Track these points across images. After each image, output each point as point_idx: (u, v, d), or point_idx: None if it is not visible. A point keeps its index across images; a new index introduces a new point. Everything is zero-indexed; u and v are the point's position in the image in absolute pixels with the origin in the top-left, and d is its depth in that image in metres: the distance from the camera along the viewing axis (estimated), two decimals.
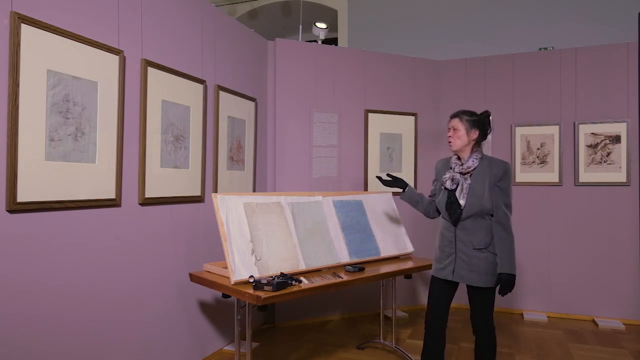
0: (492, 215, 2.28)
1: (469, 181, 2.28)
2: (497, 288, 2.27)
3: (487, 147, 4.33)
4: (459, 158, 2.38)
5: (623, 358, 3.17)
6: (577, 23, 4.92)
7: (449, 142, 2.37)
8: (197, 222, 2.96)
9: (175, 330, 2.76)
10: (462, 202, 2.27)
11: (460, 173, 2.31)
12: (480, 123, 2.33)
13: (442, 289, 2.39)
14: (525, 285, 4.21)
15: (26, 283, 1.87)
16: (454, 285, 2.39)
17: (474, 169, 2.30)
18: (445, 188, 2.36)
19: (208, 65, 3.06)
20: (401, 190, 2.69)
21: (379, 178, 2.75)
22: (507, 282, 2.21)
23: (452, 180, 2.32)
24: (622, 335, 3.64)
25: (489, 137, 4.31)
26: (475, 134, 2.32)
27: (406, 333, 3.65)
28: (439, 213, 2.55)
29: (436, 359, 2.42)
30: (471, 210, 2.26)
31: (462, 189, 2.28)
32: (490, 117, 2.37)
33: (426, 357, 2.44)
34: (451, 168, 2.38)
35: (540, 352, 3.26)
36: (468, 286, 2.32)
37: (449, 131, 2.38)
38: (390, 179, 2.72)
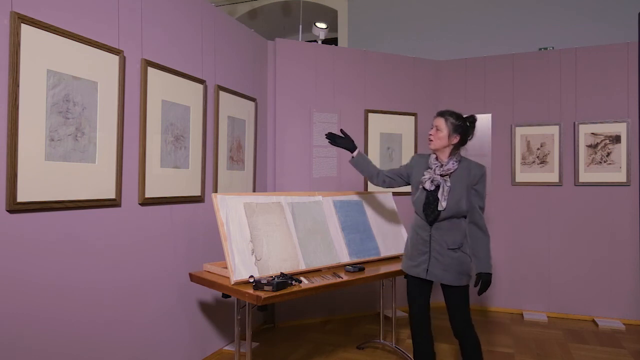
0: (465, 217, 2.32)
1: (449, 183, 2.29)
2: (477, 287, 2.30)
3: (487, 147, 4.33)
4: (437, 158, 2.38)
5: (623, 358, 3.17)
6: (577, 23, 4.92)
7: (430, 140, 2.38)
8: (197, 222, 2.96)
9: (175, 330, 2.76)
10: (443, 204, 2.26)
11: (440, 175, 2.31)
12: (463, 129, 2.32)
13: (419, 288, 2.42)
14: (525, 285, 4.21)
15: (26, 283, 1.87)
16: (429, 282, 2.41)
17: (453, 171, 2.31)
18: (424, 188, 2.35)
19: (208, 65, 3.06)
20: (351, 152, 2.71)
21: (331, 134, 2.75)
22: (486, 281, 2.26)
23: (432, 181, 2.32)
24: (622, 335, 3.64)
25: (489, 138, 4.31)
26: (455, 139, 2.33)
27: (406, 333, 3.64)
28: (386, 185, 2.61)
29: (428, 356, 2.45)
30: (450, 212, 2.27)
31: (443, 191, 2.28)
32: (475, 123, 2.36)
33: (418, 356, 2.46)
34: (430, 168, 2.37)
35: (540, 352, 3.26)
36: (443, 286, 2.34)
37: (431, 128, 2.38)
38: (343, 136, 2.72)
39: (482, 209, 2.31)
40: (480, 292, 2.27)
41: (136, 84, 2.45)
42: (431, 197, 2.32)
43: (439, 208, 2.27)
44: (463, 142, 2.35)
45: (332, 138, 2.74)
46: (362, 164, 2.69)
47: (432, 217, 2.31)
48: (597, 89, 4.04)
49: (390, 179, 2.61)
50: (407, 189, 2.60)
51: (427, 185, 2.33)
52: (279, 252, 2.52)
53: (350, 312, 4.09)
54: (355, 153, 2.70)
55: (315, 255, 2.70)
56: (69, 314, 2.06)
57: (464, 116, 2.35)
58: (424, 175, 2.37)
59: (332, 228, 2.89)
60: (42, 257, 1.94)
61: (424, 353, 2.44)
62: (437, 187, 2.30)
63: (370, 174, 2.67)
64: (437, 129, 2.34)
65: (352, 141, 2.73)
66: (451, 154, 2.34)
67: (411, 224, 2.48)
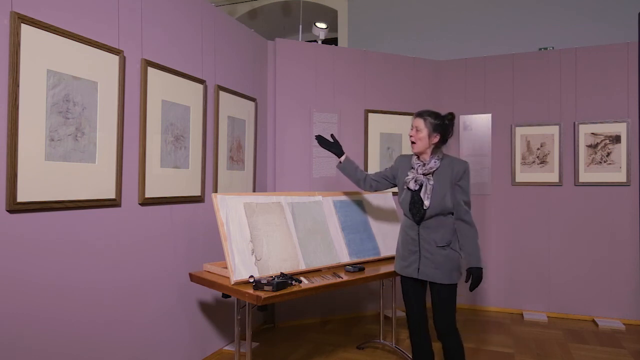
0: (451, 213, 2.33)
1: (432, 182, 2.30)
2: (468, 283, 2.31)
3: (487, 147, 4.33)
4: (418, 158, 2.40)
5: (623, 358, 3.17)
6: (577, 23, 4.92)
7: (412, 142, 2.38)
8: (197, 222, 2.96)
9: (175, 330, 2.76)
10: (427, 202, 2.28)
11: (423, 174, 2.33)
12: (443, 128, 2.33)
13: (413, 288, 2.43)
14: (525, 285, 4.21)
15: (26, 283, 1.87)
16: (422, 281, 2.41)
17: (436, 169, 2.32)
18: (409, 188, 2.37)
19: (208, 65, 3.06)
20: (338, 157, 2.75)
21: (319, 137, 2.78)
22: (478, 276, 2.28)
23: (416, 181, 2.34)
24: (622, 335, 3.64)
25: (489, 138, 4.32)
26: (435, 139, 2.34)
27: (406, 333, 3.64)
28: (373, 189, 2.66)
29: (427, 355, 2.45)
30: (435, 210, 2.28)
31: (426, 190, 2.30)
32: (454, 120, 2.38)
33: (417, 356, 2.46)
34: (413, 168, 2.39)
35: (540, 352, 3.26)
36: (431, 284, 2.34)
37: (411, 129, 2.38)
38: (332, 140, 2.77)
39: (467, 204, 2.32)
40: (472, 288, 2.29)
41: (136, 84, 2.45)
42: (416, 197, 2.34)
43: (424, 207, 2.29)
44: (444, 140, 2.36)
45: (321, 140, 2.78)
46: (349, 170, 2.72)
47: (419, 216, 2.33)
48: (597, 89, 4.04)
49: (376, 182, 2.64)
50: None
51: (411, 185, 2.35)
52: (279, 252, 2.52)
53: (350, 312, 4.09)
54: (342, 158, 2.73)
55: (315, 255, 2.70)
56: (69, 314, 2.06)
57: (442, 114, 2.37)
58: (407, 175, 2.39)
59: (332, 228, 2.89)
60: (42, 257, 1.94)
61: (423, 352, 2.45)
62: (421, 186, 2.32)
63: (357, 179, 2.70)
64: (417, 130, 2.35)
65: (341, 147, 2.77)
66: (433, 153, 2.36)
67: (401, 224, 2.50)
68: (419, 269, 2.34)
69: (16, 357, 1.83)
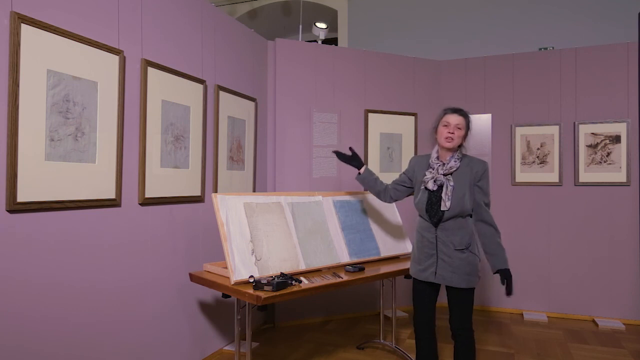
0: (470, 215, 2.27)
1: (452, 182, 2.24)
2: (503, 286, 2.22)
3: (487, 147, 4.33)
4: (438, 157, 2.34)
5: (623, 358, 3.17)
6: (577, 23, 4.92)
7: (451, 138, 2.27)
8: (197, 222, 2.96)
9: (175, 330, 2.76)
10: (447, 204, 2.21)
11: (443, 174, 2.26)
12: (470, 127, 2.33)
13: (426, 291, 2.36)
14: (525, 285, 4.21)
15: (26, 283, 1.87)
16: (436, 286, 2.35)
17: (456, 169, 2.26)
18: (427, 189, 2.30)
19: (208, 65, 3.06)
20: (357, 169, 2.71)
21: (337, 152, 2.76)
22: (509, 278, 2.19)
23: (435, 181, 2.27)
24: (622, 335, 3.64)
25: (489, 138, 4.32)
26: (465, 138, 2.32)
27: (406, 333, 3.64)
28: (393, 200, 2.60)
29: (431, 358, 2.42)
30: (454, 211, 2.22)
31: (446, 191, 2.23)
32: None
33: (421, 358, 2.43)
34: (432, 168, 2.32)
35: (540, 352, 3.26)
36: (448, 288, 2.28)
37: (448, 126, 2.27)
38: (350, 154, 2.73)
39: (487, 205, 2.26)
40: (509, 291, 2.18)
41: (136, 84, 2.45)
42: (434, 198, 2.27)
43: (442, 208, 2.22)
44: (465, 138, 2.33)
45: (340, 155, 2.74)
46: (368, 181, 2.65)
47: (436, 218, 2.25)
48: (597, 89, 4.04)
49: (395, 191, 2.56)
50: None
51: (430, 186, 2.27)
52: (279, 252, 2.52)
53: (350, 312, 4.09)
54: (362, 170, 2.67)
55: (315, 255, 2.70)
56: (69, 314, 2.06)
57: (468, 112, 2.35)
58: (425, 175, 2.33)
59: (332, 228, 2.89)
60: (42, 257, 1.94)
61: (427, 355, 2.41)
62: (440, 187, 2.25)
63: (377, 191, 2.63)
64: (459, 128, 2.27)
65: (360, 159, 2.71)
66: (454, 152, 2.30)
67: (416, 226, 2.42)
68: (435, 272, 2.26)
69: (16, 357, 1.83)
